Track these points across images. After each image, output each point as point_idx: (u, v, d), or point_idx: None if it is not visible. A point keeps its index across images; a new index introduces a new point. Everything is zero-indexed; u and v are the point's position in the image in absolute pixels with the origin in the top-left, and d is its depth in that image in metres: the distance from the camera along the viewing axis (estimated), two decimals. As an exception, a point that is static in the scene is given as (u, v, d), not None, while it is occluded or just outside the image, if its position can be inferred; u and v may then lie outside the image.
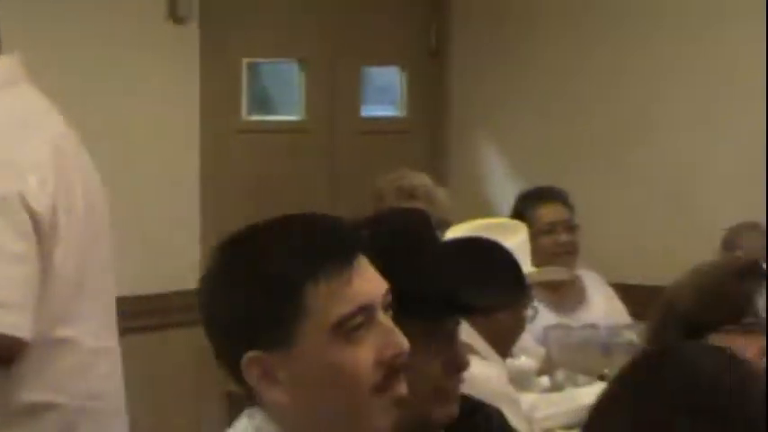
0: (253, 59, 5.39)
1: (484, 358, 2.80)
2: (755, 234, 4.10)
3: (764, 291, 1.93)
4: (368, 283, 1.55)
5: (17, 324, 2.10)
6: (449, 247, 2.07)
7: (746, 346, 1.83)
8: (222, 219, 5.22)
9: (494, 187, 5.59)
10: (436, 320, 1.92)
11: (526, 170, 5.42)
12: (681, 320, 1.90)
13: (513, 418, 2.60)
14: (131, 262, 4.10)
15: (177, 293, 4.50)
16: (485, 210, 5.01)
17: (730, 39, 4.94)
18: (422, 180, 3.79)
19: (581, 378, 3.48)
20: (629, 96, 5.27)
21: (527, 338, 3.49)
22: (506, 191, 5.21)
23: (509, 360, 3.02)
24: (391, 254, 1.92)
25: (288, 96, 5.61)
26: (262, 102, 5.63)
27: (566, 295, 4.19)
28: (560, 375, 3.51)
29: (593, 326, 3.88)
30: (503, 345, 2.90)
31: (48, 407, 2.19)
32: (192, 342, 4.32)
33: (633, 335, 3.62)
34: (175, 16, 4.96)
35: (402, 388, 1.54)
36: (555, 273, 3.60)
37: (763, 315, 1.92)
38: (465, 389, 1.99)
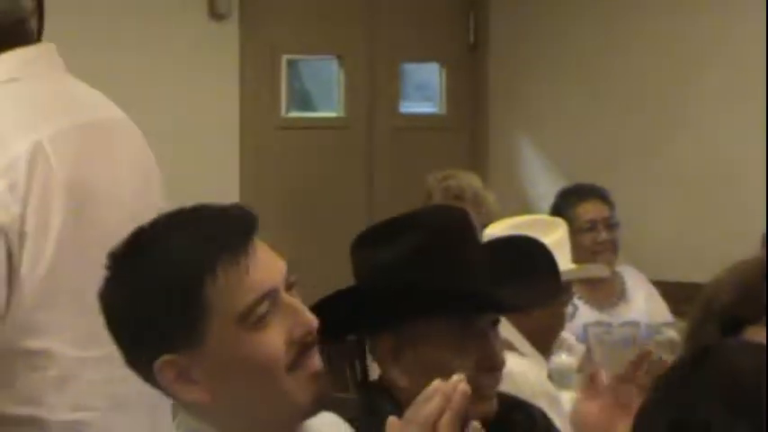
0: (292, 56, 5.41)
1: (523, 355, 2.80)
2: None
3: None
4: (267, 267, 1.54)
5: None
6: (487, 246, 2.07)
7: None
8: (262, 215, 5.22)
9: (533, 184, 5.58)
10: (471, 319, 1.92)
11: (566, 167, 5.40)
12: (719, 315, 1.90)
13: (552, 416, 2.59)
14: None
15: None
16: (524, 207, 5.00)
17: (772, 34, 4.91)
18: (471, 182, 3.78)
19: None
20: (669, 93, 5.24)
21: (567, 335, 3.48)
22: (546, 188, 5.19)
23: (549, 357, 3.02)
24: (429, 250, 1.92)
25: (327, 93, 5.62)
26: (301, 99, 5.64)
27: (606, 292, 4.18)
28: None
29: (633, 323, 3.86)
30: (542, 342, 2.90)
31: (26, 421, 2.13)
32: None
33: (674, 332, 3.60)
34: (215, 13, 4.98)
35: (316, 362, 1.53)
36: (595, 270, 3.58)
37: None
38: (504, 386, 1.99)
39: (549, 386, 2.87)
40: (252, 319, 1.50)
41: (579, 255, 3.45)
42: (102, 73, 4.04)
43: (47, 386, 2.08)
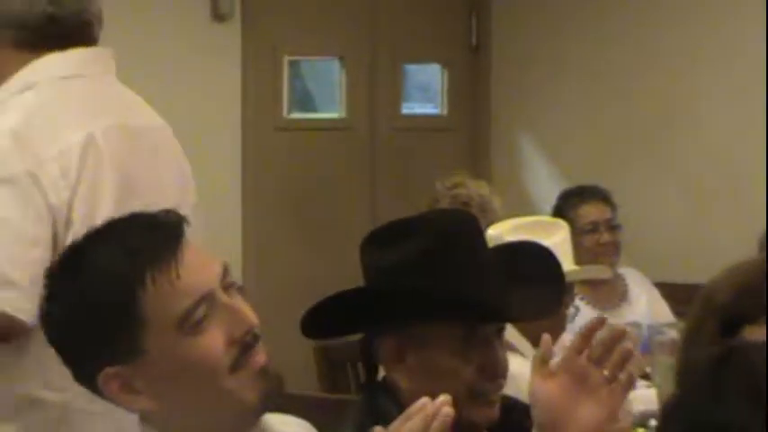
0: (294, 57, 5.41)
1: (524, 356, 2.80)
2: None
3: None
4: (200, 271, 1.53)
5: (23, 307, 2.08)
6: (494, 252, 2.06)
7: None
8: (263, 215, 5.24)
9: (535, 185, 5.58)
10: (476, 326, 1.92)
11: (568, 169, 5.40)
12: (718, 315, 1.90)
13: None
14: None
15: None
16: (526, 208, 4.99)
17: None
18: (479, 190, 3.76)
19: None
20: (672, 94, 5.24)
21: (568, 337, 3.48)
22: (548, 189, 5.19)
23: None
24: (435, 254, 1.92)
25: (329, 94, 5.62)
26: (303, 99, 5.64)
27: (608, 293, 4.18)
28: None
29: (635, 324, 3.87)
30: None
31: (54, 405, 2.18)
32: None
33: (675, 333, 3.60)
34: (218, 14, 4.98)
35: (260, 358, 1.53)
36: (596, 271, 3.58)
37: None
38: (505, 387, 1.99)
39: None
40: (189, 324, 1.50)
41: (581, 256, 3.45)
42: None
43: (59, 370, 2.14)
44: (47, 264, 2.03)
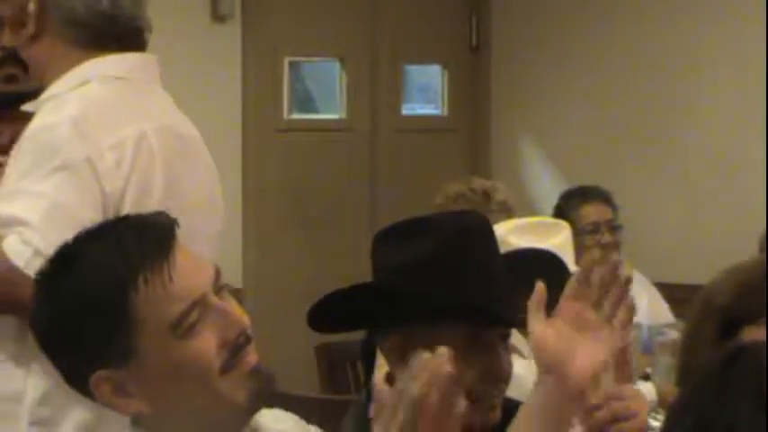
0: (294, 58, 5.41)
1: (526, 358, 2.80)
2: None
3: None
4: (192, 275, 1.53)
5: None
6: (503, 258, 2.04)
7: None
8: (263, 216, 5.24)
9: (536, 186, 5.57)
10: (479, 330, 1.91)
11: (569, 169, 5.40)
12: (717, 314, 1.90)
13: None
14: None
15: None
16: (527, 208, 4.99)
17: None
18: (483, 181, 3.72)
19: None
20: (672, 95, 5.24)
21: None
22: (548, 189, 5.19)
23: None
24: (444, 256, 1.91)
25: (329, 95, 5.62)
26: (303, 100, 5.64)
27: (608, 294, 4.17)
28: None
29: (635, 325, 3.85)
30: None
31: None
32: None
33: (676, 334, 3.60)
34: (218, 15, 4.98)
35: (251, 358, 1.54)
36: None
37: None
38: (510, 389, 1.99)
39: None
40: (182, 328, 1.50)
41: (582, 257, 3.44)
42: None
43: None
44: None
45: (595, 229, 4.17)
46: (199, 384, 1.50)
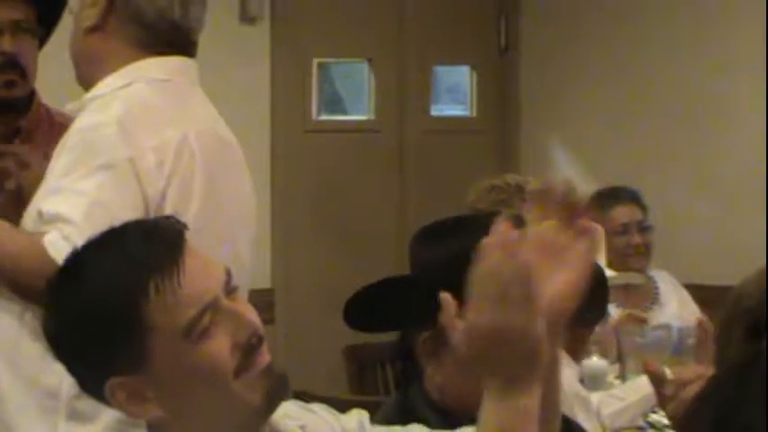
0: (323, 59, 5.41)
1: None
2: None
3: None
4: (202, 278, 1.52)
5: None
6: None
7: None
8: (292, 217, 5.24)
9: (564, 187, 5.55)
10: None
11: (598, 170, 5.39)
12: (745, 316, 1.89)
13: (583, 417, 2.59)
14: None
15: (248, 291, 4.52)
16: (555, 209, 4.98)
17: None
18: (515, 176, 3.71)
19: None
20: (703, 96, 5.22)
21: (599, 338, 3.47)
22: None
23: (581, 360, 3.02)
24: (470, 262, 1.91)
25: (357, 96, 5.62)
26: (332, 102, 5.64)
27: (639, 296, 4.16)
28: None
29: (666, 326, 3.85)
30: (573, 345, 2.89)
31: None
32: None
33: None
34: (247, 17, 4.99)
35: (264, 359, 1.53)
36: (631, 277, 3.58)
37: None
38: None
39: (580, 388, 2.88)
40: (195, 333, 1.49)
41: (611, 258, 3.44)
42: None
43: None
44: None
45: (625, 230, 4.15)
46: (214, 387, 1.50)
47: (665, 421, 2.49)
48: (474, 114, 5.81)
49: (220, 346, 1.50)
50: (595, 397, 3.14)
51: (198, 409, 1.52)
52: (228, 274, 1.55)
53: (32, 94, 2.67)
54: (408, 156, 5.56)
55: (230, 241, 2.35)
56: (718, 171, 5.17)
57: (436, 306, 1.89)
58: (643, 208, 4.26)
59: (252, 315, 1.54)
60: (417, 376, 2.02)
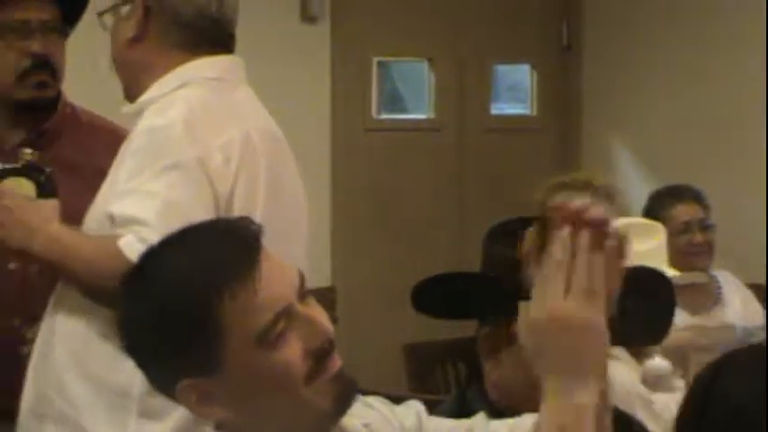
0: (383, 58, 5.42)
1: (617, 359, 2.78)
2: None
3: None
4: (278, 283, 1.50)
5: None
6: None
7: None
8: (352, 216, 5.25)
9: (626, 186, 5.51)
10: None
11: (659, 169, 5.35)
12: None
13: (645, 418, 2.57)
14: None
15: (309, 291, 4.53)
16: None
17: None
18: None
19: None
20: (764, 95, 5.16)
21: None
22: (638, 190, 5.14)
23: (644, 361, 2.99)
24: None
25: (417, 95, 5.63)
26: (391, 100, 5.65)
27: (701, 296, 4.12)
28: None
29: (729, 327, 3.81)
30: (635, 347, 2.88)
31: None
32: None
33: (771, 336, 3.56)
34: (307, 16, 5.01)
35: (335, 364, 1.52)
36: (694, 277, 3.55)
37: None
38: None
39: (642, 389, 2.86)
40: (269, 339, 1.48)
41: (673, 257, 3.40)
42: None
43: None
44: None
45: (687, 228, 4.11)
46: (284, 393, 1.50)
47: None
48: (534, 113, 5.79)
49: (293, 353, 1.49)
50: (660, 399, 3.12)
51: (267, 413, 1.52)
52: (302, 277, 1.54)
53: (59, 94, 2.67)
54: (468, 154, 5.55)
55: (290, 239, 2.35)
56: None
57: (500, 304, 1.89)
58: (705, 206, 4.22)
59: (324, 320, 1.53)
60: (477, 375, 2.02)
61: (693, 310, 4.07)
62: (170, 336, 1.50)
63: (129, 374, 2.15)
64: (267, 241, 1.56)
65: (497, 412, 1.93)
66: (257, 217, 2.03)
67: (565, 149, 5.74)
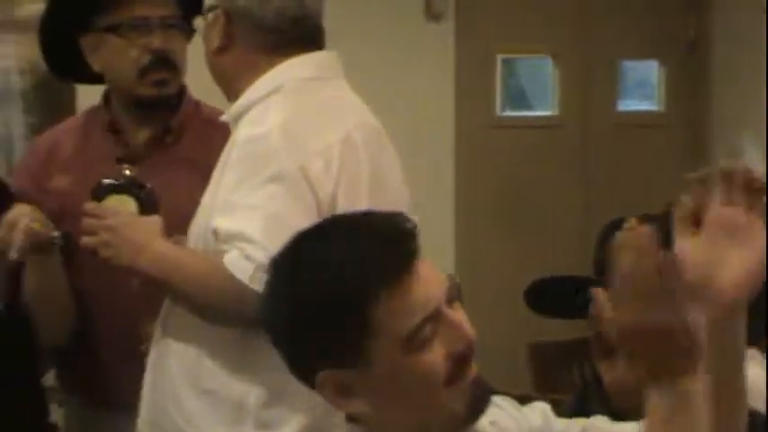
0: (507, 55, 5.40)
1: (750, 359, 2.72)
2: None
3: None
4: (429, 285, 1.49)
5: None
6: None
7: None
8: (476, 213, 5.25)
9: (756, 183, 5.42)
10: None
11: (791, 166, 5.23)
12: None
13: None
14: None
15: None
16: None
17: None
18: None
19: None
20: None
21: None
22: (769, 187, 5.04)
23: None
24: None
25: (542, 92, 5.59)
26: (516, 97, 5.63)
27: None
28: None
29: None
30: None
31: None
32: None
33: None
34: (432, 14, 5.02)
35: (472, 370, 1.51)
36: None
37: None
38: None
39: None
40: (417, 342, 1.48)
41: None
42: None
43: None
44: None
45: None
46: (424, 393, 1.50)
47: None
48: (662, 109, 5.71)
49: (436, 356, 1.49)
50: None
51: (403, 411, 1.52)
52: (451, 281, 1.54)
53: (182, 90, 2.66)
54: (593, 151, 5.50)
55: None
56: None
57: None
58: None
59: (468, 325, 1.53)
60: (597, 376, 2.00)
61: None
62: (322, 326, 1.50)
63: (244, 388, 2.17)
64: None
65: (616, 413, 1.92)
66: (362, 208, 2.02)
67: (694, 146, 5.65)
